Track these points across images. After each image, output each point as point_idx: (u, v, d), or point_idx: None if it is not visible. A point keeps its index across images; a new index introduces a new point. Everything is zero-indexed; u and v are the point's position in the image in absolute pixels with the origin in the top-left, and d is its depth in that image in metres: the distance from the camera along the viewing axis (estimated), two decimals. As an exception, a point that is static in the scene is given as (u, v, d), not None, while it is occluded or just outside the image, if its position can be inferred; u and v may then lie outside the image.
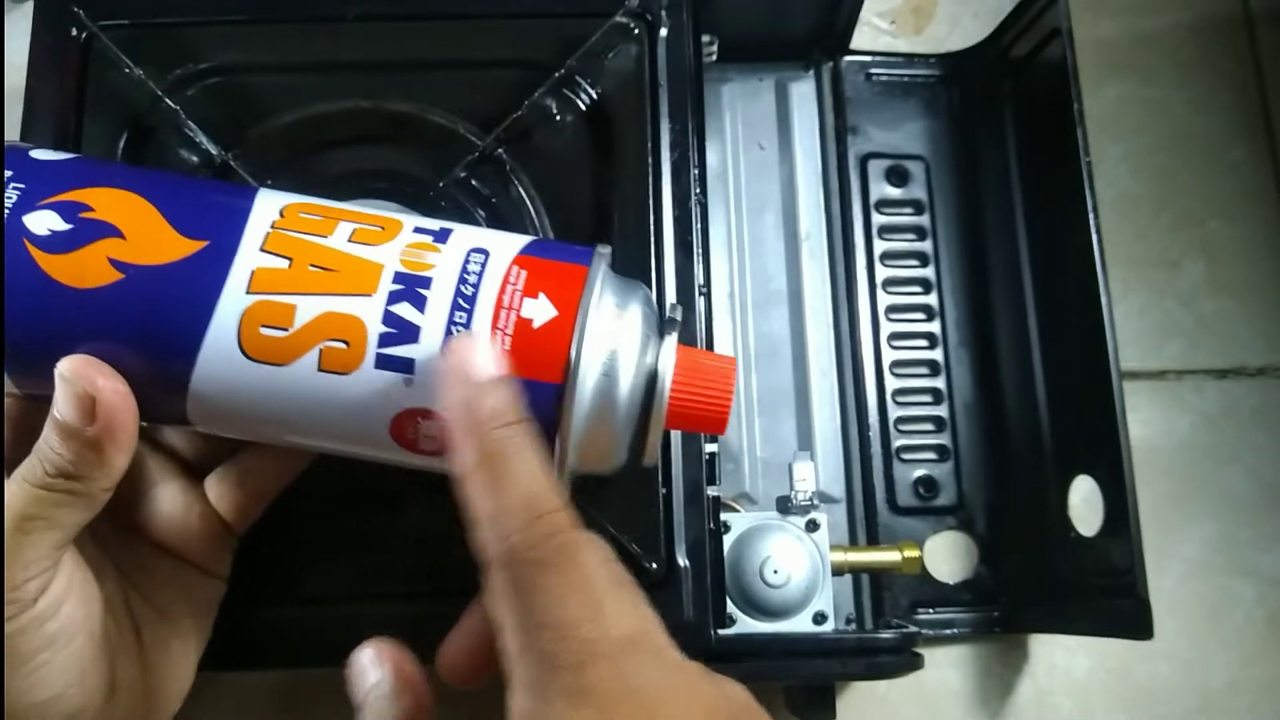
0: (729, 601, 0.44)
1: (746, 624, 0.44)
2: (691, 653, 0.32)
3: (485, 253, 0.29)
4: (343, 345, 0.27)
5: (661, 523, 0.39)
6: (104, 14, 0.44)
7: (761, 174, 0.56)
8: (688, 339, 0.41)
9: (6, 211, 0.28)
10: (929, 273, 0.56)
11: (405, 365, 0.27)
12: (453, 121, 0.44)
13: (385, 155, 0.44)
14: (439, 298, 0.28)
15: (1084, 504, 0.48)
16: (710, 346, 0.42)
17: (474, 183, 0.44)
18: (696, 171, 0.43)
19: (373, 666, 0.30)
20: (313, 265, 0.28)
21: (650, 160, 0.43)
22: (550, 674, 0.25)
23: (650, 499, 0.39)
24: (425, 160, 0.44)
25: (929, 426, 0.54)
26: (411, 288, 0.28)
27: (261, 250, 0.28)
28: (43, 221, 0.28)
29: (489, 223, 0.43)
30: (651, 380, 0.29)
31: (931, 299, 0.55)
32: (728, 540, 0.44)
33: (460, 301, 0.28)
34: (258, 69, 0.45)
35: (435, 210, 0.43)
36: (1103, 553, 0.46)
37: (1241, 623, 0.54)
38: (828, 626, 0.44)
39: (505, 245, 0.30)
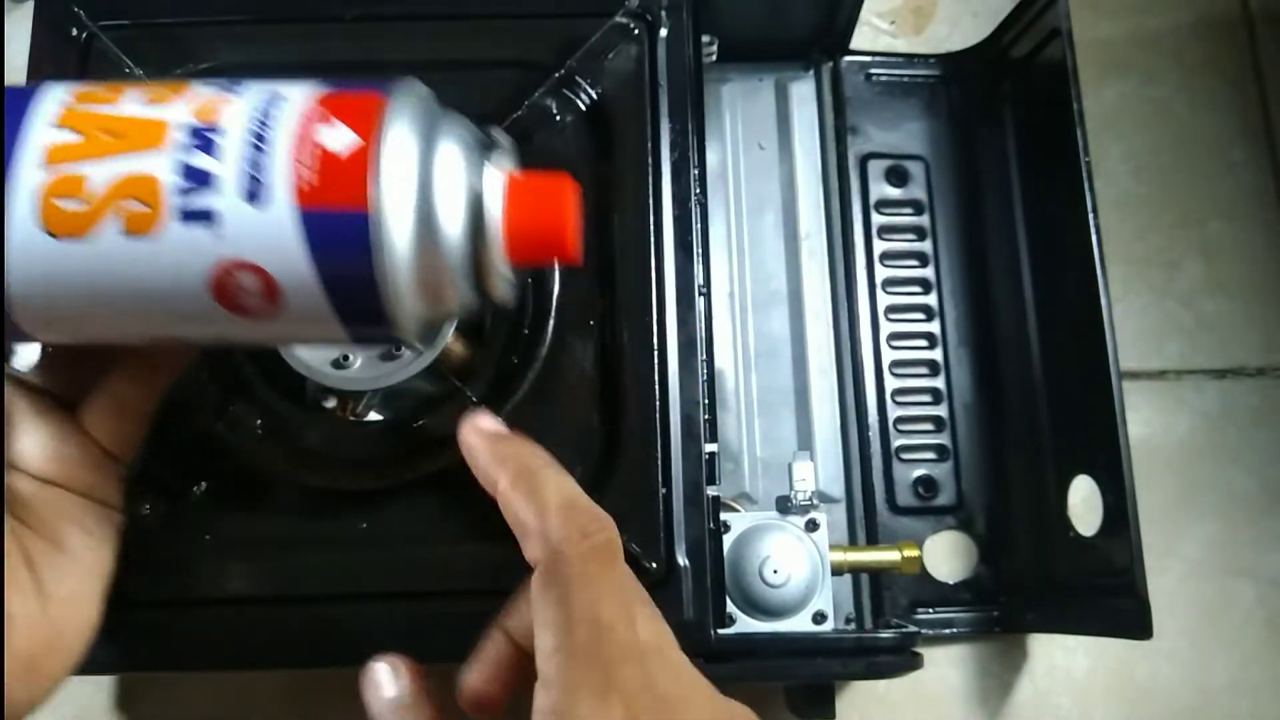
0: (729, 601, 0.44)
1: (746, 624, 0.44)
2: (692, 652, 0.32)
3: (281, 96, 0.28)
4: (142, 206, 0.26)
5: (661, 522, 0.39)
6: (104, 14, 0.44)
7: (761, 174, 0.56)
8: (687, 340, 0.41)
9: None
10: (929, 273, 0.56)
11: (207, 215, 0.26)
12: (453, 121, 0.44)
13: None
14: (233, 141, 0.27)
15: (1083, 504, 0.48)
16: (710, 346, 0.42)
17: (474, 183, 0.44)
18: (696, 171, 0.43)
19: (390, 680, 0.30)
20: (103, 132, 0.27)
21: (650, 160, 0.43)
22: (581, 671, 0.26)
23: (650, 499, 0.39)
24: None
25: (928, 426, 0.54)
26: (203, 137, 0.27)
27: (53, 127, 0.27)
28: None
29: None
30: (476, 202, 0.28)
31: (931, 299, 0.55)
32: (727, 540, 0.44)
33: (255, 142, 0.27)
34: (258, 69, 0.44)
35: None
36: (1102, 552, 0.46)
37: (1241, 622, 0.54)
38: (827, 626, 0.44)
39: (304, 87, 0.28)
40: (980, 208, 0.56)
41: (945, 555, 0.53)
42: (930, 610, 0.52)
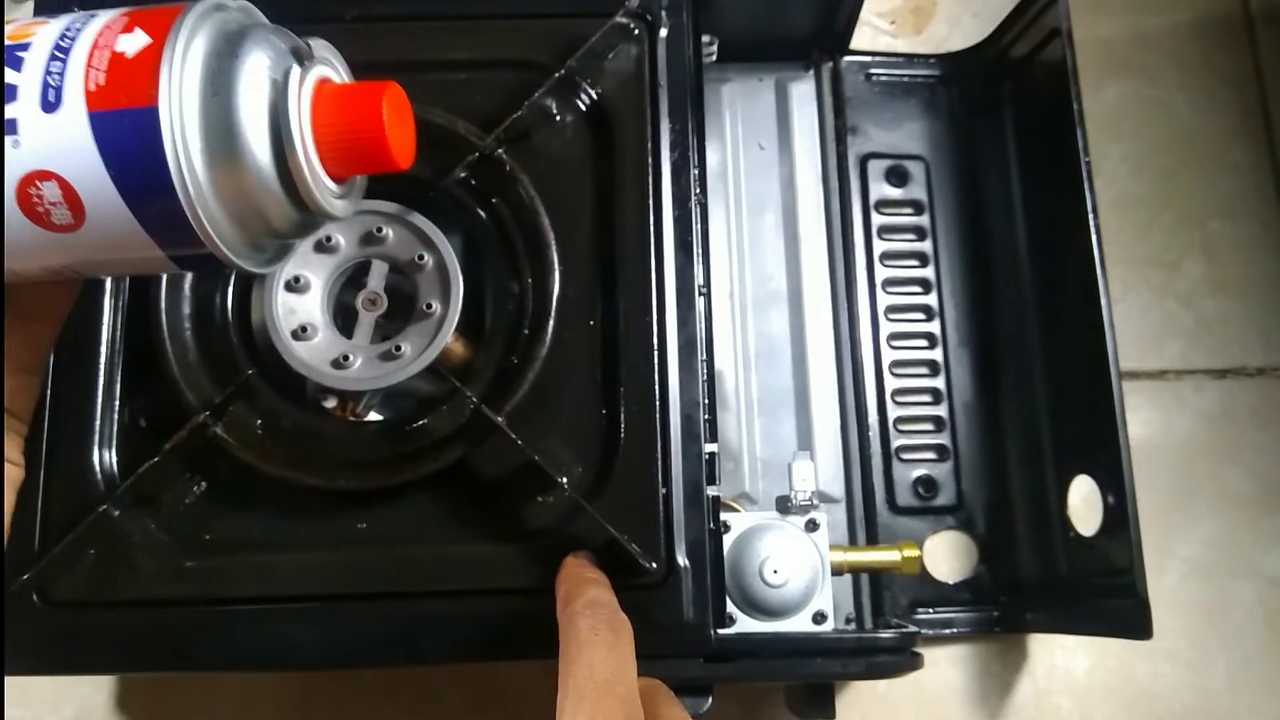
0: (729, 601, 0.44)
1: (746, 624, 0.44)
2: (692, 652, 0.32)
3: (93, 14, 0.28)
4: None
5: (661, 523, 0.39)
6: (104, 14, 0.44)
7: (761, 174, 0.56)
8: (687, 341, 0.41)
9: None
10: (929, 273, 0.56)
11: (9, 127, 0.26)
12: (453, 122, 0.44)
13: (385, 155, 0.44)
14: (36, 55, 0.27)
15: (1083, 504, 0.48)
16: (710, 346, 0.42)
17: (474, 183, 0.44)
18: (696, 171, 0.43)
19: None
20: None
21: (650, 160, 0.43)
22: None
23: (650, 499, 0.39)
24: (426, 161, 0.43)
25: (928, 426, 0.54)
26: (11, 53, 0.27)
27: None
28: None
29: (489, 223, 0.43)
30: (277, 107, 0.27)
31: (931, 299, 0.55)
32: (727, 540, 0.44)
33: (55, 54, 0.27)
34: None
35: (436, 210, 0.43)
36: (1102, 552, 0.46)
37: (1241, 622, 0.54)
38: (827, 626, 0.44)
39: (116, 8, 0.28)
40: (980, 208, 0.56)
41: (945, 555, 0.53)
42: (930, 610, 0.52)
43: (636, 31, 0.44)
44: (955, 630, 0.52)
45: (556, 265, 0.42)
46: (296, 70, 0.28)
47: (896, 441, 0.53)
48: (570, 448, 0.41)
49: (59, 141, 0.26)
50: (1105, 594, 0.46)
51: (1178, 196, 0.60)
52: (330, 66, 0.29)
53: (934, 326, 0.55)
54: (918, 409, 0.54)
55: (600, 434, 0.41)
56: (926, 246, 0.56)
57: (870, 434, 0.53)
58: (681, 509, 0.40)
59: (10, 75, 0.27)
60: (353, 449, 0.40)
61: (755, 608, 0.44)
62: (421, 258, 0.43)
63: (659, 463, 0.40)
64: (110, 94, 0.26)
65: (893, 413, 0.54)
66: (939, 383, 0.54)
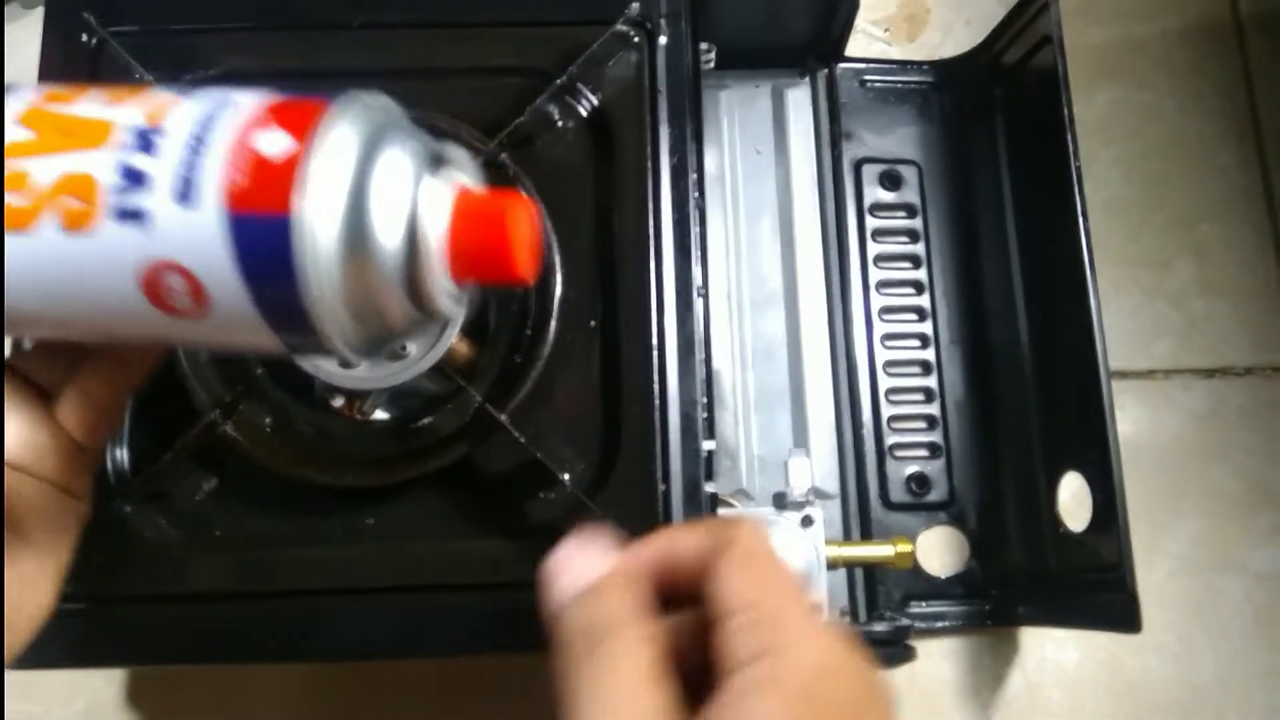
0: (726, 595, 0.44)
1: (743, 617, 0.44)
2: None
3: (231, 101, 0.27)
4: (80, 204, 0.26)
5: (661, 518, 0.40)
6: (114, 20, 0.44)
7: (758, 178, 0.57)
8: (686, 341, 0.42)
9: None
10: (921, 274, 0.56)
11: (141, 216, 0.26)
12: (456, 127, 0.44)
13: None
14: (173, 143, 0.26)
15: (1073, 500, 0.49)
16: (708, 346, 0.42)
17: (478, 187, 0.44)
18: (695, 176, 0.43)
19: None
20: (55, 131, 0.27)
21: (650, 165, 0.43)
22: None
23: (649, 495, 0.40)
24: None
25: (921, 424, 0.55)
26: (146, 138, 0.27)
27: (14, 125, 0.27)
28: None
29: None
30: (414, 215, 0.27)
31: (924, 300, 0.56)
32: (725, 536, 0.45)
33: (194, 144, 0.26)
34: (266, 75, 0.45)
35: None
36: (1092, 548, 0.47)
37: (1229, 617, 0.55)
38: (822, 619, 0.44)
39: (252, 95, 0.28)
40: (972, 211, 0.57)
41: (937, 550, 0.54)
42: (923, 604, 0.52)
43: (636, 39, 0.45)
44: (947, 623, 0.52)
45: (558, 267, 0.42)
46: (432, 179, 0.28)
47: (890, 439, 0.54)
48: (572, 445, 0.41)
49: (192, 238, 0.26)
50: (1095, 589, 0.47)
51: (1168, 199, 0.61)
52: (463, 171, 0.29)
53: (927, 327, 0.56)
54: (911, 407, 0.55)
55: (601, 432, 0.41)
56: (919, 249, 0.57)
57: (864, 432, 0.54)
58: (680, 505, 0.40)
59: (143, 160, 0.26)
60: (360, 447, 0.41)
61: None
62: (427, 260, 0.43)
63: (658, 460, 0.40)
64: (249, 197, 0.26)
65: (886, 411, 0.54)
66: (931, 382, 0.55)
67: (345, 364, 0.28)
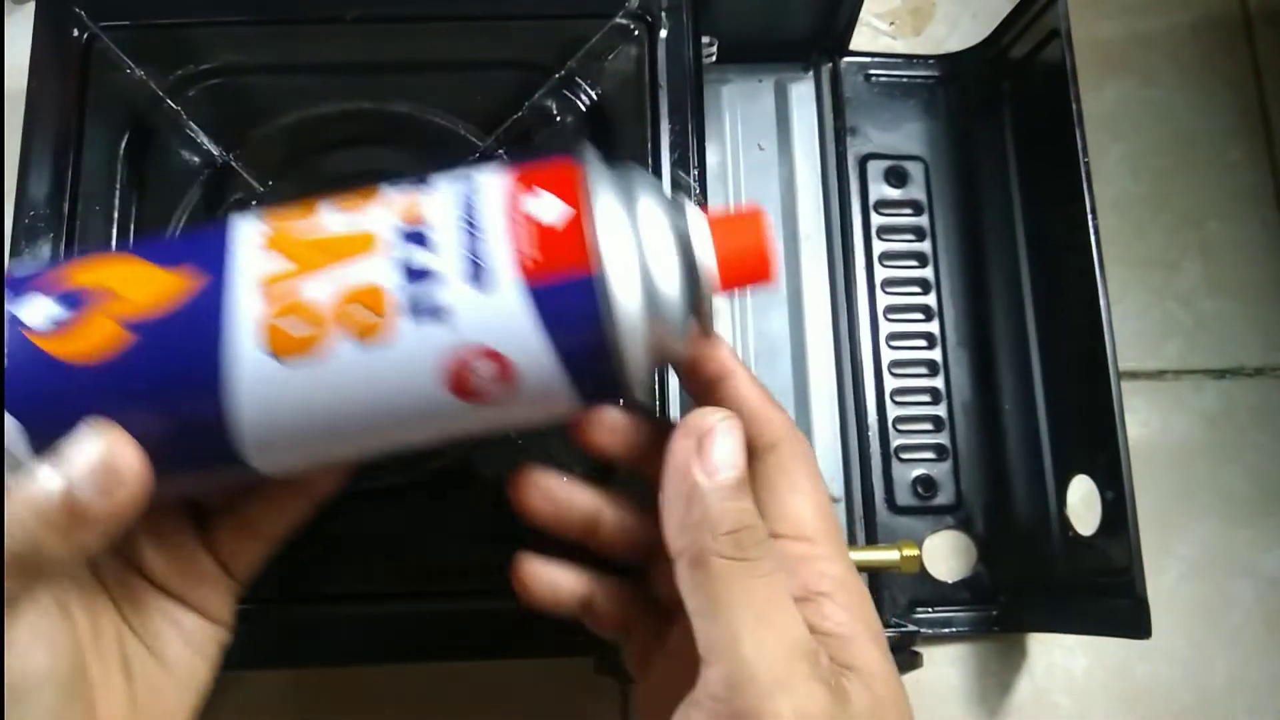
0: (729, 600, 0.44)
1: (746, 623, 0.44)
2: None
3: (472, 180, 0.28)
4: (370, 314, 0.26)
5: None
6: (105, 15, 0.44)
7: (761, 174, 0.56)
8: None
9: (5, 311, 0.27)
10: (928, 273, 0.56)
11: (439, 311, 0.26)
12: (453, 123, 0.44)
13: (386, 156, 0.44)
14: (445, 233, 0.27)
15: (1082, 503, 0.48)
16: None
17: (474, 183, 0.44)
18: (696, 172, 0.43)
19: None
20: (313, 250, 0.27)
21: (650, 161, 0.43)
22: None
23: (650, 497, 0.39)
24: (426, 161, 0.44)
25: (927, 426, 0.54)
26: (416, 235, 0.27)
27: (257, 256, 0.27)
28: (33, 308, 0.27)
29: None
30: (685, 242, 0.28)
31: (930, 299, 0.56)
32: (727, 539, 0.44)
33: (468, 229, 0.27)
34: (259, 70, 0.45)
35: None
36: (1101, 552, 0.46)
37: (1240, 622, 0.54)
38: (827, 625, 0.44)
39: (491, 171, 0.29)
40: (979, 208, 0.56)
41: (944, 554, 0.53)
42: (929, 609, 0.52)
43: (636, 33, 0.44)
44: (954, 629, 0.52)
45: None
46: (694, 210, 0.28)
47: (895, 441, 0.54)
48: (571, 447, 0.41)
49: (496, 320, 0.26)
50: (1104, 593, 0.47)
51: (1176, 196, 0.60)
52: (688, 191, 0.31)
53: (933, 326, 0.55)
54: (917, 409, 0.54)
55: (600, 434, 0.41)
56: (925, 247, 0.56)
57: (869, 433, 0.53)
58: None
59: (423, 256, 0.26)
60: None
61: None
62: (422, 258, 0.43)
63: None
64: (544, 266, 0.26)
65: (892, 412, 0.54)
66: (938, 382, 0.55)
67: (631, 403, 0.30)
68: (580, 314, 0.26)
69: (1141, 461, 0.46)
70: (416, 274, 0.26)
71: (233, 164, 0.43)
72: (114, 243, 0.42)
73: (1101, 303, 0.46)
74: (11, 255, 0.41)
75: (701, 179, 0.44)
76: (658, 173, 0.43)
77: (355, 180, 0.43)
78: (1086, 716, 0.53)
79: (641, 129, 0.43)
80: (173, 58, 0.44)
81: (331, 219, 0.28)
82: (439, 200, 0.28)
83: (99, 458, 0.26)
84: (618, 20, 0.44)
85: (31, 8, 0.44)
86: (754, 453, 0.31)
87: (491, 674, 0.51)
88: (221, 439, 0.27)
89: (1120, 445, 0.45)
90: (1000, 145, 0.56)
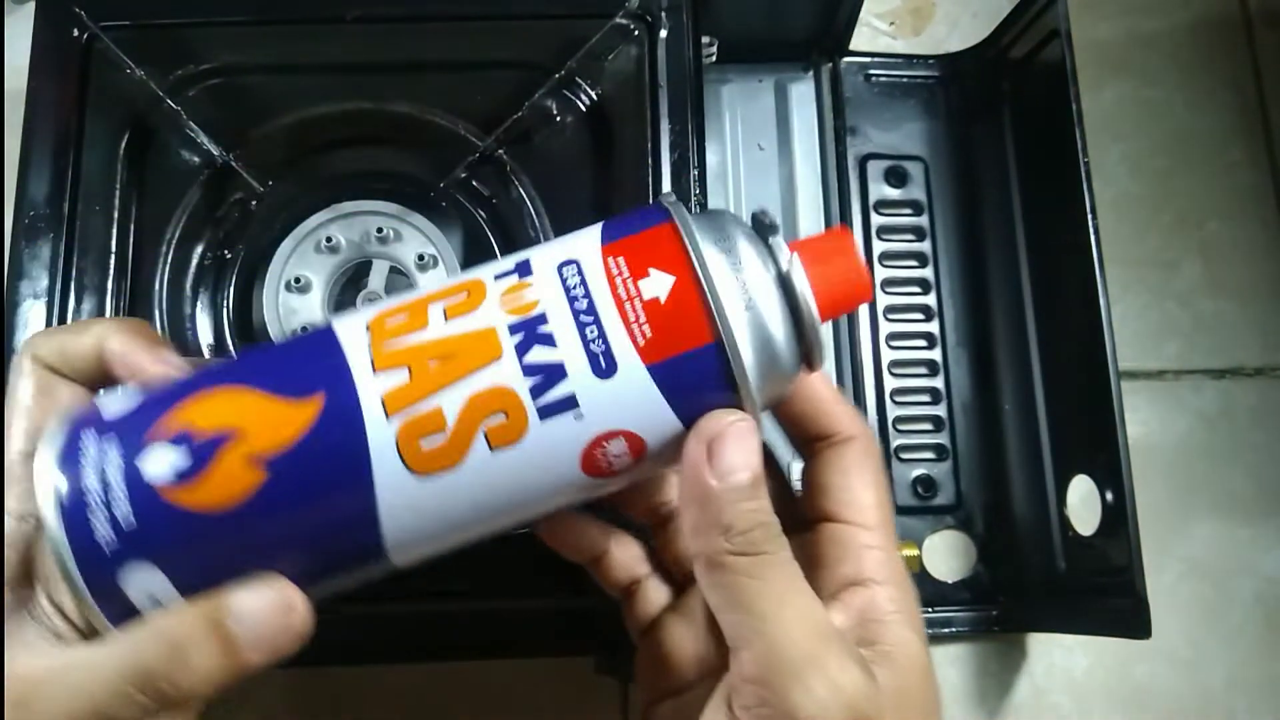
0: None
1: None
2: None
3: (574, 262, 0.28)
4: (502, 418, 0.26)
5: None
6: (105, 15, 0.44)
7: (761, 174, 0.56)
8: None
9: (122, 468, 0.26)
10: (928, 273, 0.56)
11: (568, 403, 0.26)
12: (453, 122, 0.44)
13: (386, 156, 0.44)
14: (562, 326, 0.27)
15: (1082, 503, 0.48)
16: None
17: (474, 183, 0.44)
18: (696, 172, 0.43)
19: None
20: (431, 360, 0.27)
21: (650, 161, 0.43)
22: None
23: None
24: (426, 161, 0.44)
25: (927, 426, 0.54)
26: (532, 331, 0.27)
27: (377, 373, 0.27)
28: (155, 460, 0.26)
29: (489, 224, 0.44)
30: (786, 284, 0.28)
31: (930, 299, 0.56)
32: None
33: (582, 319, 0.27)
34: (259, 70, 0.45)
35: (436, 210, 0.43)
36: (1101, 552, 0.46)
37: (1240, 622, 0.54)
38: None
39: (586, 245, 0.28)
40: (979, 208, 0.56)
41: (944, 554, 0.53)
42: (929, 609, 0.52)
43: (636, 33, 0.44)
44: (954, 629, 0.52)
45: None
46: (786, 250, 0.28)
47: (895, 441, 0.54)
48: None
49: (625, 403, 0.27)
50: (1104, 593, 0.47)
51: (1176, 197, 0.60)
52: (774, 228, 0.29)
53: (933, 326, 0.55)
54: (917, 409, 0.54)
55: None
56: (925, 247, 0.56)
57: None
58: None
59: (546, 352, 0.27)
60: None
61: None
62: (422, 258, 0.43)
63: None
64: (663, 343, 0.26)
65: (892, 412, 0.54)
66: (938, 383, 0.55)
67: None
68: (704, 381, 0.27)
69: (1141, 461, 0.46)
70: (540, 371, 0.26)
71: (233, 164, 0.43)
72: (114, 243, 0.42)
73: (1101, 303, 0.46)
74: (11, 255, 0.41)
75: (701, 179, 0.44)
76: (658, 173, 0.43)
77: (355, 180, 0.44)
78: (1086, 716, 0.53)
79: (641, 129, 0.43)
80: (173, 58, 0.44)
81: (446, 326, 0.27)
82: (545, 288, 0.27)
83: (267, 607, 0.26)
84: (618, 20, 0.43)
85: (31, 8, 0.44)
86: (830, 443, 0.32)
87: (491, 674, 0.51)
88: (369, 552, 0.28)
89: (1120, 445, 0.45)
90: (1000, 145, 0.56)
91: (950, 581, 0.53)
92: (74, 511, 0.26)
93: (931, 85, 0.58)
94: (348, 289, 0.44)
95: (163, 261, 0.43)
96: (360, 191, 0.43)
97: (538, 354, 0.27)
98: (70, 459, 0.26)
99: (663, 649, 0.33)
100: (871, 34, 0.62)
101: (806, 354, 0.28)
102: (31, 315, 0.41)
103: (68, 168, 0.42)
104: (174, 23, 0.45)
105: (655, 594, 0.35)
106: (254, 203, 0.44)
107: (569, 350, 0.27)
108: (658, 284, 0.27)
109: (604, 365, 0.26)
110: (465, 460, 0.27)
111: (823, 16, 0.54)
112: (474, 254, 0.43)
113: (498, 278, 0.28)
